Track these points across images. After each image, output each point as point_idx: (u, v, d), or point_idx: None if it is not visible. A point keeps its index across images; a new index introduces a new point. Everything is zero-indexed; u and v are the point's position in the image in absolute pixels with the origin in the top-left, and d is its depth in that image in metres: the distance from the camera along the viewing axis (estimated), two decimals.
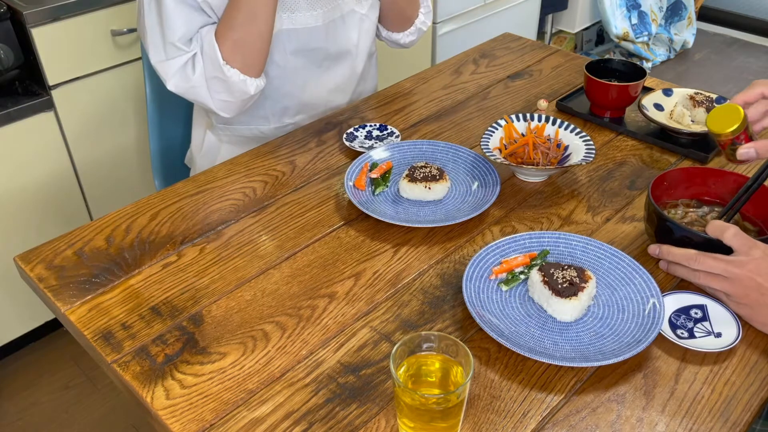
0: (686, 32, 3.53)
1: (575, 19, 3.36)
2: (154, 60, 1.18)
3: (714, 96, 1.30)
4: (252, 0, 1.14)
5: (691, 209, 1.01)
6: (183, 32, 1.16)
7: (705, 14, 3.83)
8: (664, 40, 3.51)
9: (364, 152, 1.22)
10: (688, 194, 1.04)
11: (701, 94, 1.31)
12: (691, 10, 3.48)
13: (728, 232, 0.87)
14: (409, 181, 1.10)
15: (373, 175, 1.14)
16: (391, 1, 1.39)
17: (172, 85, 1.19)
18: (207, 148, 1.43)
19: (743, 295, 0.86)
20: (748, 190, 0.96)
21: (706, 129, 1.24)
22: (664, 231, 0.94)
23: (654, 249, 0.95)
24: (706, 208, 1.02)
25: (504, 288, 0.93)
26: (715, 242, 0.89)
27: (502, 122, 1.20)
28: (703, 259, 0.88)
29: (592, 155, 1.12)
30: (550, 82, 1.49)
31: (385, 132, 1.28)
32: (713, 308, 0.89)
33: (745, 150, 0.97)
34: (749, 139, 0.98)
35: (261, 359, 0.84)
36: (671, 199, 1.04)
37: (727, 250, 0.88)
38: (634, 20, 3.36)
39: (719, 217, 0.97)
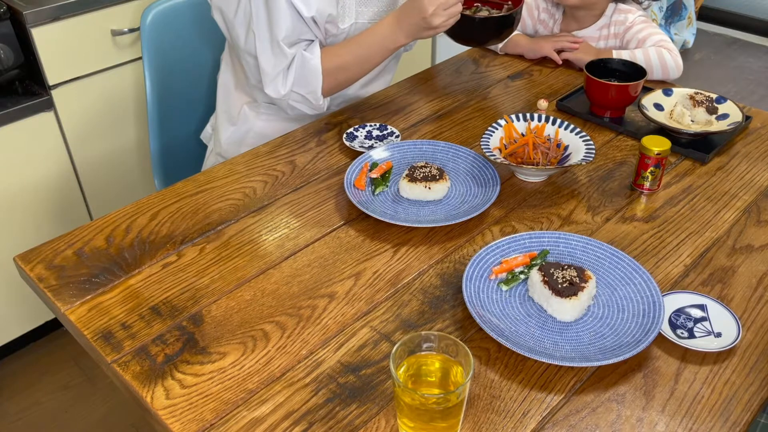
0: (686, 32, 3.52)
1: None
2: (261, 57, 1.25)
3: (714, 96, 1.30)
4: (377, 44, 1.27)
5: None
6: (288, 33, 1.22)
7: (705, 14, 3.83)
8: None
9: (364, 152, 1.22)
10: None
11: (701, 93, 1.31)
12: (691, 10, 3.48)
13: None
14: (409, 181, 1.10)
15: (373, 175, 1.14)
16: None
17: (270, 90, 1.28)
18: (241, 121, 1.45)
19: None
20: None
21: (706, 129, 1.25)
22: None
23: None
24: None
25: (504, 288, 0.93)
26: None
27: (502, 122, 1.20)
28: None
29: (592, 155, 1.12)
30: (550, 82, 1.49)
31: (385, 132, 1.28)
32: (713, 308, 0.89)
33: None
34: (664, 167, 1.12)
35: (261, 359, 0.84)
36: None
37: None
38: None
39: None
